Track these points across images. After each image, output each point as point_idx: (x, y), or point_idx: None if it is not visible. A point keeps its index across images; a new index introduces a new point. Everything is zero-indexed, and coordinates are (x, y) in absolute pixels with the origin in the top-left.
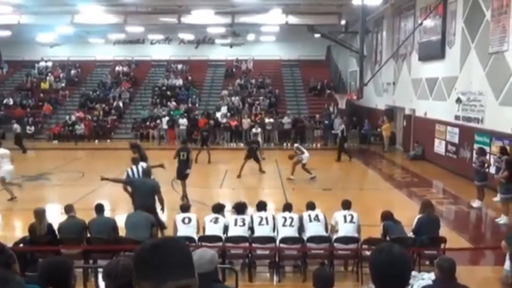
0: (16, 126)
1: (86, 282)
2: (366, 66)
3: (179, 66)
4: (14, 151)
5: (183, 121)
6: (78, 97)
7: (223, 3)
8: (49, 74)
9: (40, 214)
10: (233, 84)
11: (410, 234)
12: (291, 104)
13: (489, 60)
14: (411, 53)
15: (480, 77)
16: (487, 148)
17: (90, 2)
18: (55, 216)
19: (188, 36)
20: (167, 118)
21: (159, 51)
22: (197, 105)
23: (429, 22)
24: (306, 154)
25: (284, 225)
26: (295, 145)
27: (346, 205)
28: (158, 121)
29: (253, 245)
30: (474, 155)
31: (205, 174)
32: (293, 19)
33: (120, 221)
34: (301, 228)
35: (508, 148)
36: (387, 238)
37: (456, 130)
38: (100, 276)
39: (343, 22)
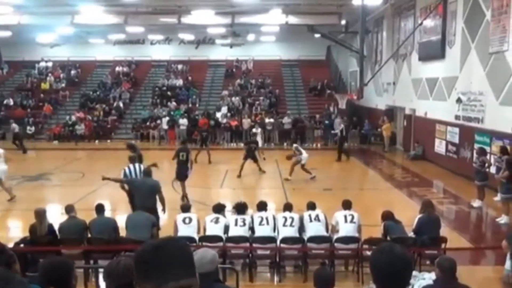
0: (14, 126)
1: (86, 282)
2: (366, 66)
3: (179, 66)
4: (13, 151)
5: (183, 121)
6: (78, 98)
7: (223, 3)
8: (49, 74)
9: (40, 214)
10: (233, 84)
11: (411, 234)
12: (291, 104)
13: (489, 60)
14: (411, 53)
15: (480, 77)
16: (487, 148)
17: (90, 3)
18: (56, 217)
19: (188, 36)
20: (167, 118)
21: (159, 51)
22: (197, 105)
23: (429, 22)
24: (305, 154)
25: (284, 225)
26: (294, 145)
27: (347, 205)
28: (158, 121)
29: (254, 245)
30: (475, 155)
31: (206, 174)
32: (293, 19)
33: (121, 221)
34: (301, 228)
35: (508, 147)
36: (388, 238)
37: (457, 130)
38: (100, 276)
39: (343, 22)
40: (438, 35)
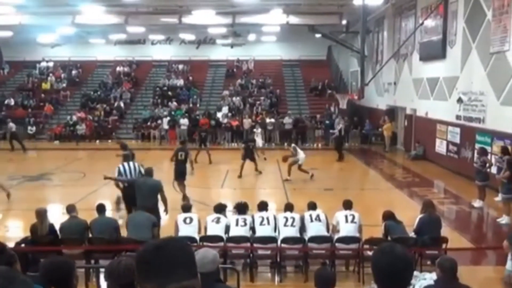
0: (11, 125)
1: (88, 282)
2: (367, 66)
3: (180, 66)
4: (14, 152)
5: (184, 121)
6: (79, 98)
7: (224, 3)
8: (50, 74)
9: (41, 214)
10: (234, 84)
11: (412, 234)
12: (292, 104)
13: (490, 60)
14: (412, 53)
15: (481, 77)
16: (488, 148)
17: (91, 3)
18: (57, 216)
19: (189, 36)
20: (168, 118)
21: (160, 51)
22: (198, 105)
23: (430, 22)
24: (302, 155)
25: (285, 225)
26: (292, 145)
27: (348, 205)
28: (159, 121)
29: (255, 245)
30: (476, 155)
31: (206, 175)
32: (294, 19)
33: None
34: (302, 228)
35: (509, 148)
36: (389, 238)
37: (457, 130)
38: (102, 276)
39: (344, 22)
40: (439, 35)
